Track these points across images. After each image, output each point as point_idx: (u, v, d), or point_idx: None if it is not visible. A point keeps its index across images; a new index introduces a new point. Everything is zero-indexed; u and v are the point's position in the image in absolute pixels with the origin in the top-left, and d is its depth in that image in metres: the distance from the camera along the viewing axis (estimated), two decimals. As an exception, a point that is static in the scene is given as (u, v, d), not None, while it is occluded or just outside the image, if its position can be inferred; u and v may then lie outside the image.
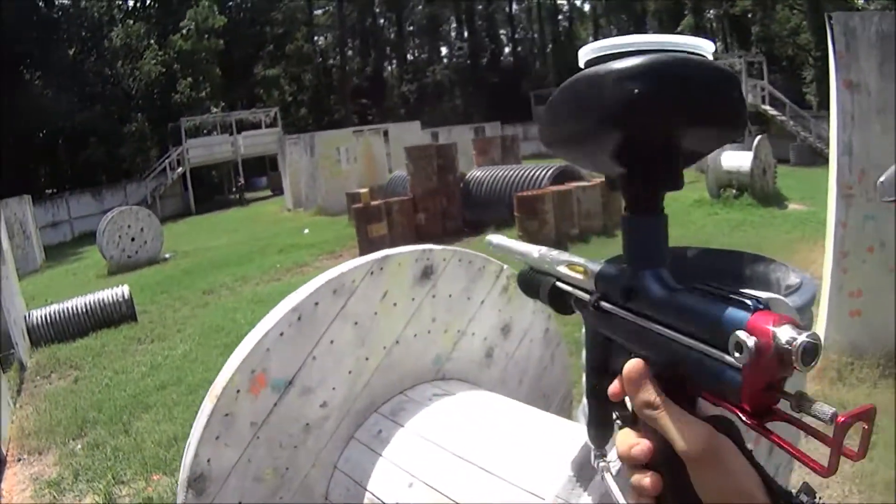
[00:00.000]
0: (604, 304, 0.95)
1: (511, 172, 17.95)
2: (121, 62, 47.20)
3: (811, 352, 0.69)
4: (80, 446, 7.44)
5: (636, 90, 0.80)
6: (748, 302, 0.75)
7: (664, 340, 0.83)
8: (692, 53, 0.86)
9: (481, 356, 3.07)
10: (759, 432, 0.74)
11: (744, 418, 0.74)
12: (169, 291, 15.72)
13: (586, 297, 1.00)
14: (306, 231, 22.02)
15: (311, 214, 26.99)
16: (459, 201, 18.43)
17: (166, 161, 42.11)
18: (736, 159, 19.79)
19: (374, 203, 17.12)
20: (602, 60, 0.86)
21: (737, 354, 0.71)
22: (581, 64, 0.90)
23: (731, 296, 0.78)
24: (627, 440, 0.87)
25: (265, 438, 2.51)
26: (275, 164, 41.28)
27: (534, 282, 1.18)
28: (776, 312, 0.73)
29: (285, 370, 2.51)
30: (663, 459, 0.82)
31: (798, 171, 26.00)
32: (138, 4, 52.85)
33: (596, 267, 1.00)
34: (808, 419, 0.72)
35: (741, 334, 0.71)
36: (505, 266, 3.13)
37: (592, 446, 1.09)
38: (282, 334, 2.49)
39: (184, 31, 48.70)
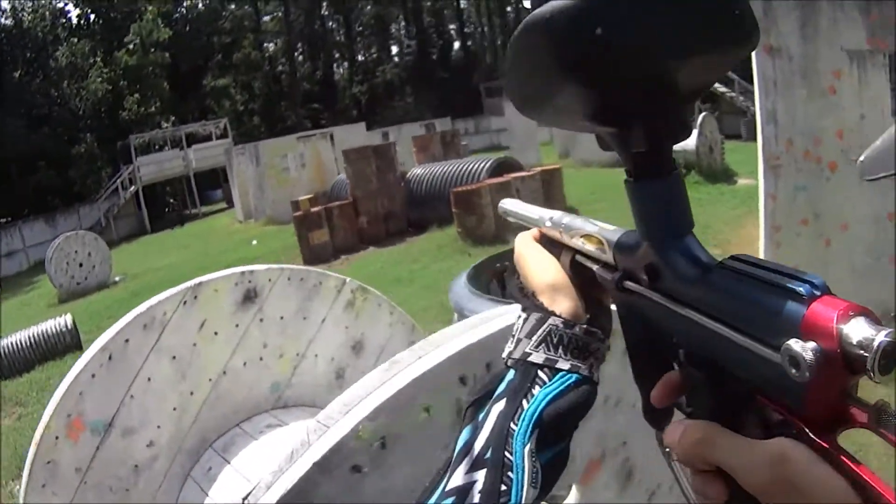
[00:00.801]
0: (628, 284, 0.79)
1: (450, 168, 17.74)
2: (66, 82, 46.60)
3: (893, 354, 0.52)
4: (18, 487, 7.34)
5: (598, 30, 0.62)
6: (800, 289, 0.58)
7: (703, 330, 0.66)
8: None
9: (330, 378, 2.94)
10: (825, 452, 0.56)
11: (809, 434, 0.57)
12: (115, 316, 15.06)
13: (608, 276, 0.85)
14: (254, 242, 21.84)
15: (261, 225, 26.80)
16: (402, 201, 18.18)
17: (118, 181, 41.49)
18: (680, 138, 19.74)
19: (314, 210, 16.89)
20: None
21: (793, 371, 0.55)
22: (527, 2, 0.66)
23: (778, 279, 0.60)
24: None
25: (93, 483, 2.38)
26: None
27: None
28: (840, 300, 0.56)
29: (102, 412, 2.38)
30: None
31: (749, 146, 25.59)
32: (82, 21, 52.11)
33: (613, 237, 0.85)
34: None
35: (795, 346, 0.54)
36: (347, 280, 3.02)
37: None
38: (93, 376, 2.37)
39: (129, 47, 48.07)
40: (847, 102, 6.77)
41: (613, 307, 0.94)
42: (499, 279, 4.80)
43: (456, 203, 14.63)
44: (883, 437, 0.53)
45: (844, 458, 0.55)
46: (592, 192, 18.84)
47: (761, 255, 7.06)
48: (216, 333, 2.60)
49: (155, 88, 48.48)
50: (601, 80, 0.66)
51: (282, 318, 2.79)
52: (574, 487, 1.96)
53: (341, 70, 67.13)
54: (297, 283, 2.83)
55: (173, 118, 50.01)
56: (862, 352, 0.52)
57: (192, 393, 2.57)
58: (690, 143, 19.34)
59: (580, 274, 0.93)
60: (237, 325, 2.68)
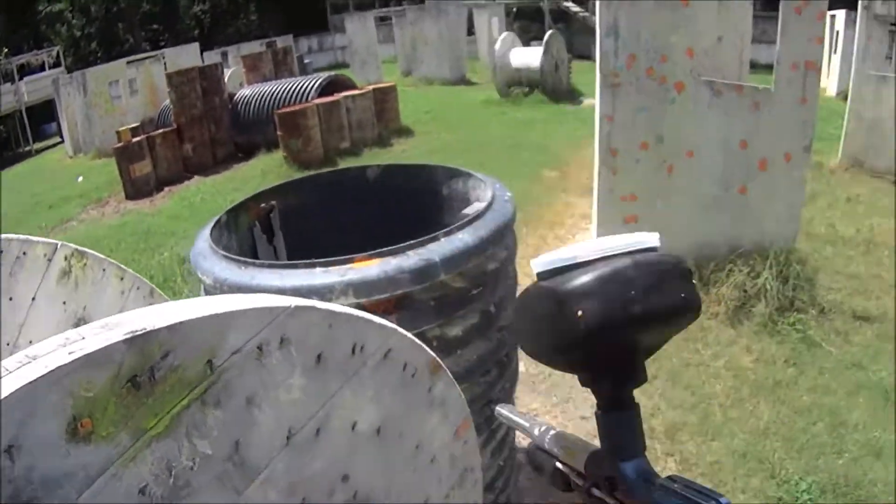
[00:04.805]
0: (595, 491, 0.99)
1: (277, 88, 16.62)
2: None
3: None
4: None
5: (579, 312, 0.87)
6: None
7: None
8: (638, 252, 0.94)
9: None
10: None
11: None
12: None
13: (580, 482, 1.04)
14: (80, 179, 20.36)
15: (89, 158, 24.94)
16: (229, 125, 17.03)
17: (-59, 122, 38.51)
18: (525, 56, 19.52)
19: (135, 140, 15.52)
20: (550, 274, 0.95)
21: None
22: (534, 273, 0.96)
23: (697, 496, 0.81)
24: None
25: None
26: (64, 107, 38.61)
27: (537, 462, 1.18)
28: None
29: None
30: None
31: (600, 67, 25.90)
32: None
33: (585, 454, 1.04)
34: None
35: None
36: (59, 244, 2.44)
37: None
38: None
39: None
40: (702, 17, 6.18)
41: None
42: (263, 220, 3.92)
43: (280, 125, 13.69)
44: None
45: None
46: (428, 110, 18.28)
47: (596, 182, 6.49)
48: None
49: (-23, 19, 45.62)
50: (577, 346, 0.91)
51: (-19, 302, 2.27)
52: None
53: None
54: (-11, 257, 2.25)
55: (6, 50, 47.20)
56: None
57: None
58: (535, 61, 18.97)
59: (559, 481, 1.13)
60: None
